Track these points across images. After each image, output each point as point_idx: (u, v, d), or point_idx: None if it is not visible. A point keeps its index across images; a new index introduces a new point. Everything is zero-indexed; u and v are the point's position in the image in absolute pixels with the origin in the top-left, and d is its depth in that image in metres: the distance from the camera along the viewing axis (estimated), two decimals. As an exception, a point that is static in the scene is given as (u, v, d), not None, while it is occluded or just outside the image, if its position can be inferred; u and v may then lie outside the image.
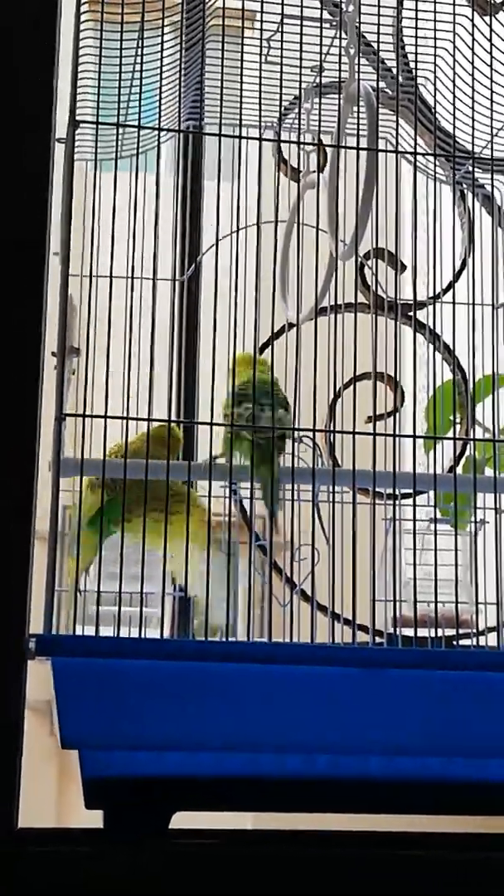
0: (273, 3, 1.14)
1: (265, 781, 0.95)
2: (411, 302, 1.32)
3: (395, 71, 1.27)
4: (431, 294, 1.33)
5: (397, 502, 1.24)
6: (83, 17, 1.01)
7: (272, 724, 0.94)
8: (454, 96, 1.14)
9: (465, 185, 1.36)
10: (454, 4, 1.19)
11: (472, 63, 1.19)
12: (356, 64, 1.09)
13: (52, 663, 0.91)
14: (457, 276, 1.36)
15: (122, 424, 1.07)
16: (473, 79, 1.18)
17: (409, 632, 1.23)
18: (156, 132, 1.09)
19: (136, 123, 1.04)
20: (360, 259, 1.34)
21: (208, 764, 0.94)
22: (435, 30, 1.18)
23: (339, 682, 0.97)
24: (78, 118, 1.02)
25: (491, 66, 1.19)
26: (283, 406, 1.21)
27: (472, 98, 1.11)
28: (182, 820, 0.97)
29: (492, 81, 1.11)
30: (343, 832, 1.01)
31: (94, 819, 0.95)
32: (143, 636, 1.02)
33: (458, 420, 1.41)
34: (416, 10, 1.17)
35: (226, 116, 1.19)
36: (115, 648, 0.93)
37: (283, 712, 0.95)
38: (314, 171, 1.26)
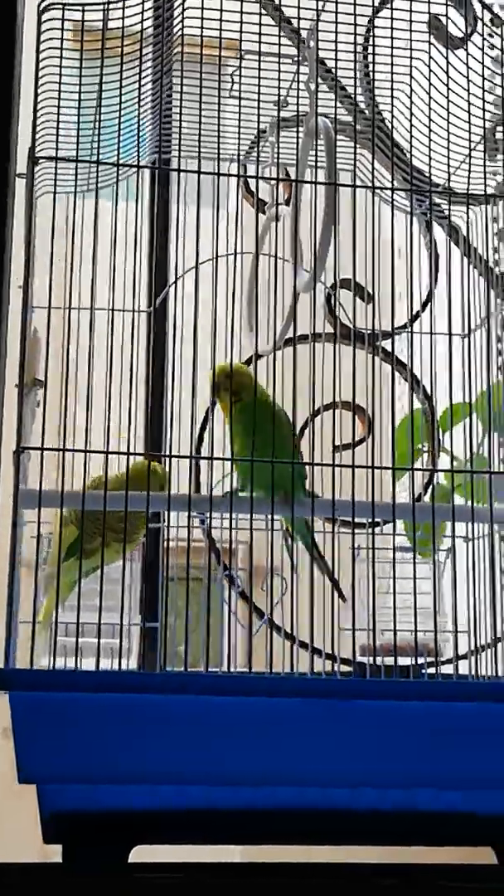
0: (232, 37, 1.16)
1: (225, 814, 0.95)
2: (377, 332, 1.33)
3: (361, 105, 1.28)
4: (398, 324, 1.34)
5: (362, 531, 1.24)
6: (43, 54, 1.02)
7: (232, 756, 0.94)
8: (409, 127, 1.15)
9: (430, 217, 1.37)
10: (410, 40, 1.21)
11: (430, 95, 1.20)
12: (316, 98, 1.10)
13: (9, 697, 0.91)
14: (423, 306, 1.37)
15: (84, 457, 1.07)
16: (436, 109, 1.19)
17: (378, 660, 1.23)
18: (123, 167, 1.09)
19: (94, 159, 1.04)
20: (326, 290, 1.35)
21: (167, 797, 0.94)
22: (395, 65, 1.19)
23: (301, 714, 0.97)
24: (42, 154, 1.03)
25: (449, 97, 1.21)
26: None
27: (430, 129, 1.12)
28: (164, 853, 0.97)
29: (449, 113, 1.12)
30: (311, 864, 1.01)
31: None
32: (117, 668, 1.03)
33: (424, 449, 1.42)
34: (373, 46, 1.19)
35: (192, 149, 1.20)
36: (72, 682, 0.93)
37: (244, 744, 0.95)
38: (280, 204, 1.27)
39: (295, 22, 1.15)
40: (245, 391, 1.19)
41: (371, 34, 1.20)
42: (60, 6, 1.01)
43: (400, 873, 0.97)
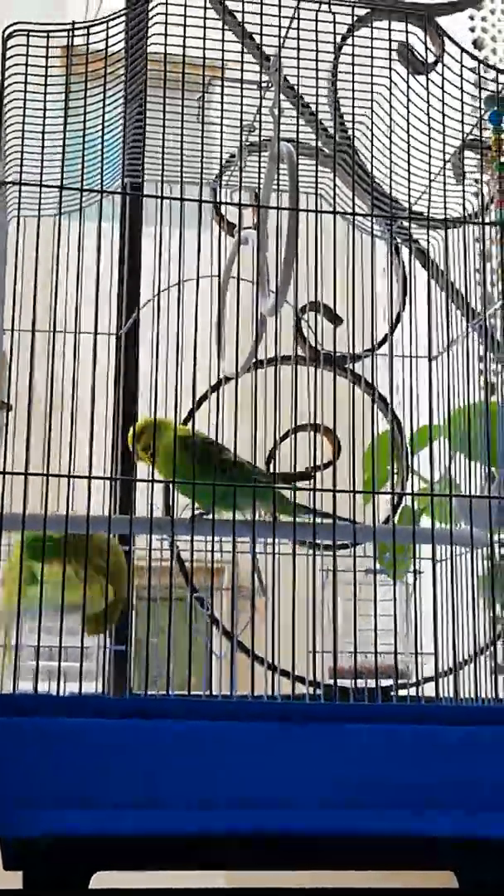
0: (213, 65, 1.17)
1: (186, 839, 0.94)
2: (348, 354, 1.34)
3: (330, 130, 1.29)
4: (368, 347, 1.35)
5: (330, 553, 1.25)
6: (9, 80, 1.03)
7: (194, 780, 0.94)
8: (378, 151, 1.16)
9: (399, 240, 1.38)
10: (389, 62, 1.22)
11: (392, 119, 1.21)
12: (279, 124, 1.11)
13: (-34, 722, 0.90)
14: (392, 328, 1.38)
15: (42, 481, 1.08)
16: (402, 134, 1.20)
17: (349, 682, 1.23)
18: (87, 192, 1.10)
19: (57, 184, 1.05)
20: (297, 313, 1.36)
21: (128, 822, 0.94)
22: (363, 90, 1.20)
23: (265, 737, 0.97)
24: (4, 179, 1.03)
25: (426, 119, 1.22)
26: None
27: (391, 158, 1.13)
28: (149, 879, 0.96)
29: (411, 139, 1.13)
30: (278, 890, 1.01)
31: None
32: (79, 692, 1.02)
33: (395, 470, 1.42)
34: (333, 75, 1.20)
35: (159, 174, 1.21)
36: (33, 706, 0.92)
37: (206, 768, 0.94)
38: (248, 227, 1.28)
39: (263, 48, 1.16)
40: (161, 437, 1.19)
41: (337, 59, 1.21)
42: (25, 33, 1.02)
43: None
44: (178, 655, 1.04)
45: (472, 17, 2.77)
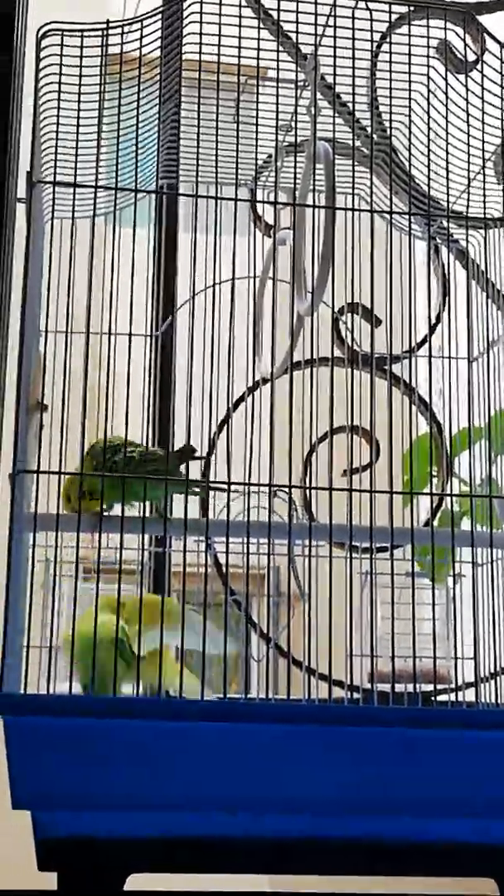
0: (248, 65, 1.16)
1: (221, 841, 0.94)
2: (387, 355, 1.33)
3: (367, 129, 1.28)
4: (407, 348, 1.33)
5: (373, 556, 1.23)
6: (43, 80, 1.02)
7: (228, 782, 0.93)
8: (417, 150, 1.15)
9: (439, 240, 1.36)
10: (428, 64, 1.20)
11: (438, 118, 1.20)
12: (315, 122, 1.10)
13: (3, 721, 0.90)
14: (432, 329, 1.36)
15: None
16: (441, 133, 1.19)
17: (386, 687, 1.22)
18: (122, 191, 1.09)
19: (93, 184, 1.05)
20: (335, 314, 1.35)
21: (163, 824, 0.93)
22: (402, 89, 1.18)
23: (298, 740, 0.96)
24: (41, 179, 1.03)
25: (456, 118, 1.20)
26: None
27: (429, 155, 1.12)
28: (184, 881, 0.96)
29: (448, 136, 1.12)
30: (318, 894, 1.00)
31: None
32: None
33: (434, 473, 1.41)
34: (390, 70, 1.19)
35: (201, 173, 1.20)
36: (68, 707, 0.92)
37: (240, 770, 0.93)
38: (286, 228, 1.27)
39: (300, 46, 1.15)
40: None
41: (378, 58, 1.20)
42: (59, 32, 1.02)
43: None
44: (215, 660, 1.03)
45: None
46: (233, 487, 1.18)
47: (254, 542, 1.18)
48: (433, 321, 1.35)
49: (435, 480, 1.41)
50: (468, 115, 1.14)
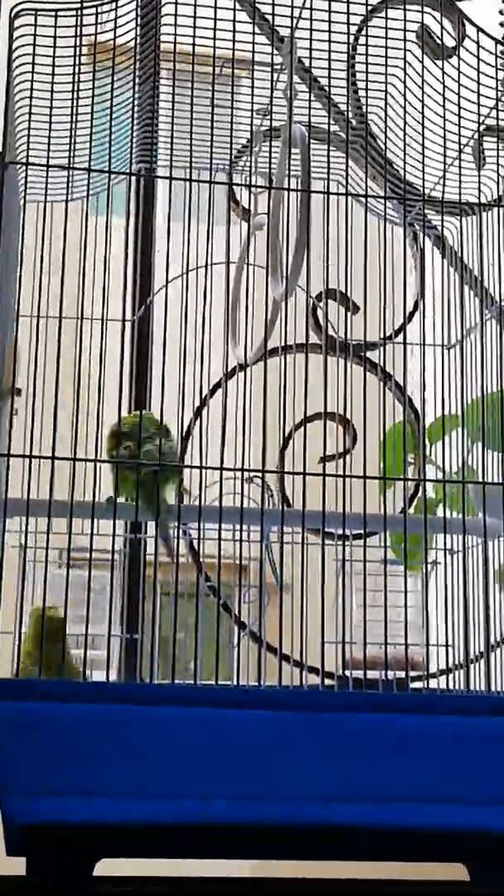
0: (224, 48, 1.15)
1: (191, 828, 0.93)
2: (363, 342, 1.32)
3: (344, 114, 1.27)
4: (383, 335, 1.33)
5: (348, 543, 1.23)
6: (17, 60, 1.01)
7: (199, 769, 0.93)
8: (392, 134, 1.14)
9: (416, 227, 1.36)
10: (404, 49, 1.20)
11: (423, 105, 1.19)
12: (291, 106, 1.09)
13: (-28, 707, 0.90)
14: (409, 316, 1.36)
15: (70, 466, 1.07)
16: (418, 117, 1.19)
17: (360, 673, 1.22)
18: (95, 172, 1.09)
19: (65, 164, 1.04)
20: (312, 300, 1.34)
21: (133, 810, 0.93)
22: (380, 73, 1.18)
23: (272, 726, 0.96)
24: (13, 160, 1.02)
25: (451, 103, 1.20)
26: (166, 436, 1.19)
27: (405, 140, 1.11)
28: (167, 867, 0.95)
29: (423, 122, 1.12)
30: (283, 880, 1.00)
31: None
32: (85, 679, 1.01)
33: (410, 460, 1.41)
34: (367, 55, 1.18)
35: (177, 157, 1.20)
36: (39, 691, 0.91)
37: (212, 757, 0.93)
38: (262, 213, 1.26)
39: (276, 29, 1.15)
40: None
41: (357, 41, 1.20)
42: (33, 12, 1.01)
43: (372, 891, 0.95)
44: (189, 647, 1.03)
45: (502, 12, 2.74)
46: (211, 474, 1.18)
47: (228, 527, 1.18)
48: (410, 308, 1.35)
49: (411, 468, 1.41)
50: (445, 100, 1.14)
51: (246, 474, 1.22)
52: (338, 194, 1.10)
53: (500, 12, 2.85)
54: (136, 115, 1.17)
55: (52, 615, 1.10)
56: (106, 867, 0.93)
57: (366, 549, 1.23)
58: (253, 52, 1.07)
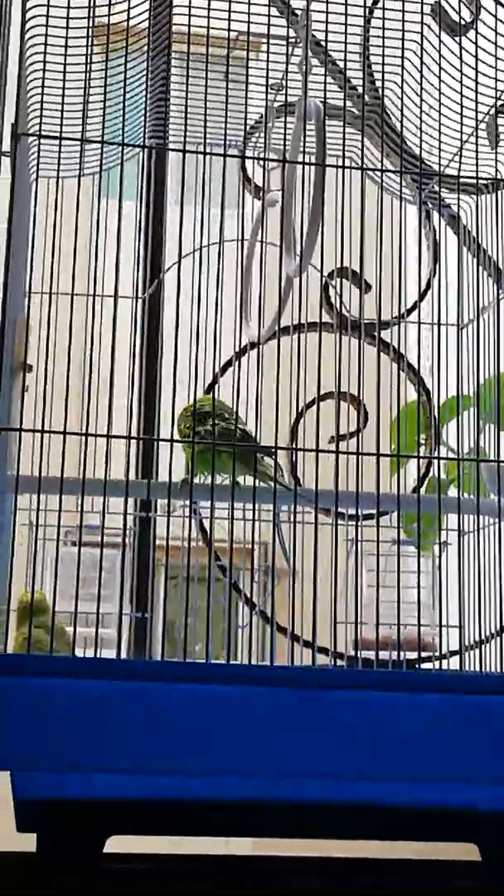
0: (239, 21, 1.14)
1: (200, 805, 0.93)
2: (376, 321, 1.31)
3: (359, 90, 1.26)
4: (396, 314, 1.32)
5: (360, 523, 1.22)
6: (29, 33, 1.00)
7: (209, 745, 0.92)
8: (409, 111, 1.13)
9: (430, 204, 1.35)
10: (422, 22, 1.18)
11: (440, 81, 1.18)
12: (306, 80, 1.08)
13: (-19, 682, 0.89)
14: (422, 296, 1.35)
15: (82, 441, 1.06)
16: (434, 94, 1.17)
17: (371, 654, 1.21)
18: (109, 144, 1.08)
19: (79, 137, 1.03)
20: (324, 278, 1.33)
21: (142, 787, 0.92)
22: (396, 48, 1.16)
23: (283, 704, 0.95)
24: (25, 131, 1.01)
25: (455, 84, 1.19)
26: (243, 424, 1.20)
27: (420, 116, 1.10)
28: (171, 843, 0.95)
29: (438, 103, 1.10)
30: (290, 858, 0.99)
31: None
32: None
33: (422, 440, 1.40)
34: (383, 28, 1.17)
35: (190, 134, 1.18)
36: (47, 668, 0.91)
37: (219, 734, 0.93)
38: (276, 189, 1.25)
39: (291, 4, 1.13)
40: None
41: (372, 15, 1.18)
42: (45, -11, 1.00)
43: (379, 869, 0.95)
44: (200, 627, 1.02)
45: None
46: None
47: (240, 507, 1.17)
48: (423, 287, 1.34)
49: (423, 448, 1.40)
50: (462, 75, 1.13)
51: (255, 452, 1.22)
52: (353, 168, 1.09)
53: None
54: (148, 91, 1.16)
55: (37, 599, 1.10)
56: (117, 843, 0.93)
57: (379, 528, 1.22)
58: (269, 24, 1.05)
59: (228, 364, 1.33)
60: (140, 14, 1.08)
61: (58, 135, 1.03)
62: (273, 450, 1.21)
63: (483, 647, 1.21)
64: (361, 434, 1.31)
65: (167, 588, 1.24)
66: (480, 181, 1.19)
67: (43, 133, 1.05)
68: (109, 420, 1.05)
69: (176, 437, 1.19)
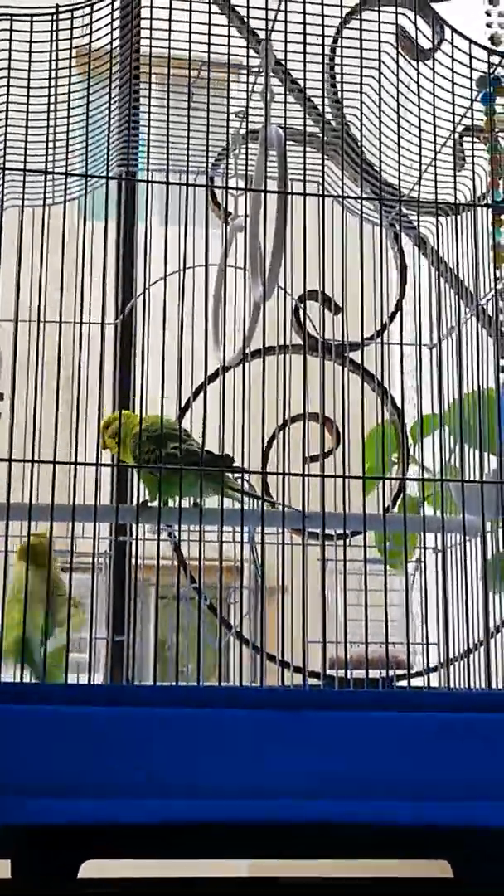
0: (201, 51, 1.16)
1: (176, 828, 0.94)
2: (346, 343, 1.33)
3: (322, 114, 1.28)
4: (364, 335, 1.33)
5: (331, 543, 1.23)
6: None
7: (183, 768, 0.93)
8: (368, 134, 1.15)
9: (397, 227, 1.37)
10: (379, 50, 1.20)
11: (398, 105, 1.20)
12: (267, 108, 1.10)
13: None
14: (391, 316, 1.36)
15: (51, 469, 1.07)
16: (394, 117, 1.19)
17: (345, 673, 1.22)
18: (91, 179, 1.09)
19: (41, 169, 1.04)
20: (294, 301, 1.35)
21: (118, 811, 0.93)
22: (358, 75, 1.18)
23: (257, 725, 0.96)
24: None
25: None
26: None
27: (380, 139, 1.12)
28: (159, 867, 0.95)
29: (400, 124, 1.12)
30: (266, 879, 1.00)
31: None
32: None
33: (394, 460, 1.41)
34: (342, 56, 1.19)
35: (158, 162, 1.20)
36: (17, 693, 0.92)
37: (196, 755, 0.94)
38: (241, 216, 1.27)
39: (254, 30, 1.15)
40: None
41: (335, 43, 1.20)
42: (8, 17, 1.01)
43: (353, 887, 0.95)
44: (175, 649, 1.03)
45: (488, 13, 2.73)
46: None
47: (212, 529, 1.18)
48: (392, 309, 1.35)
49: (395, 468, 1.42)
50: (420, 100, 1.15)
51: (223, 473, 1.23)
52: (315, 195, 1.11)
53: (487, 13, 2.85)
54: (115, 119, 1.18)
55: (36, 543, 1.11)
56: (93, 868, 0.94)
57: (346, 549, 1.23)
58: (228, 54, 1.07)
59: (200, 388, 1.34)
60: (104, 38, 1.09)
61: (21, 167, 1.04)
62: (243, 472, 1.22)
63: (453, 664, 1.22)
64: (333, 454, 1.32)
65: (150, 606, 1.25)
66: (440, 205, 1.20)
67: (7, 166, 1.06)
68: (77, 447, 1.07)
69: (129, 461, 1.20)
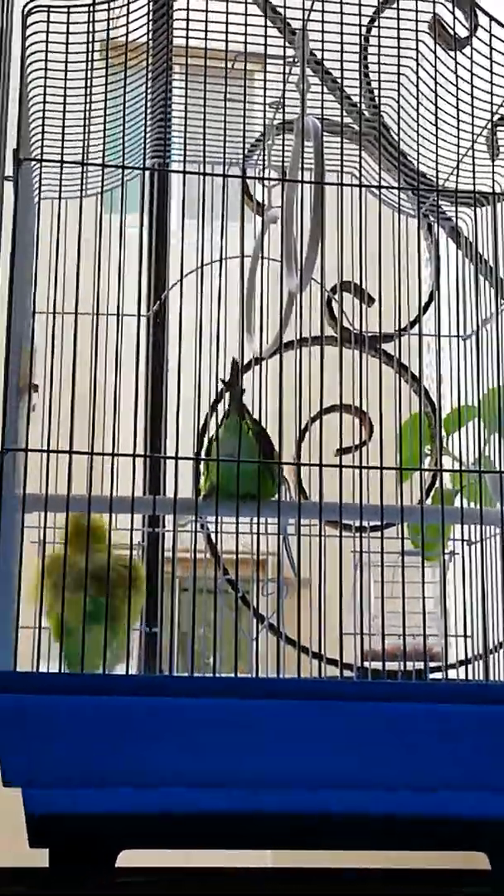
0: (236, 41, 1.15)
1: (212, 817, 0.94)
2: (378, 334, 1.32)
3: (358, 105, 1.27)
4: (399, 326, 1.33)
5: (365, 535, 1.23)
6: (30, 57, 1.02)
7: (220, 758, 0.93)
8: (405, 125, 1.14)
9: (431, 218, 1.36)
10: (416, 39, 1.20)
11: (436, 95, 1.19)
12: (303, 98, 1.10)
13: (-7, 699, 0.90)
14: (424, 308, 1.36)
15: (88, 460, 1.07)
16: (431, 108, 1.19)
17: (379, 665, 1.22)
18: (108, 167, 1.09)
19: (79, 160, 1.04)
20: (327, 292, 1.34)
21: (154, 800, 0.93)
22: (394, 64, 1.18)
23: (292, 716, 0.96)
24: (28, 156, 1.03)
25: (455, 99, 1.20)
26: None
27: (417, 131, 1.11)
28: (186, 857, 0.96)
29: (437, 112, 1.11)
30: (301, 869, 1.00)
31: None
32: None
33: (428, 451, 1.40)
34: (379, 46, 1.18)
35: (191, 153, 1.20)
36: (56, 684, 0.92)
37: (232, 746, 0.94)
38: (277, 206, 1.26)
39: (289, 22, 1.15)
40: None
41: (369, 33, 1.19)
42: (45, 8, 1.01)
43: (390, 879, 0.95)
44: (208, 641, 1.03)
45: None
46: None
47: (245, 521, 1.18)
48: (426, 300, 1.35)
49: (428, 459, 1.41)
50: (458, 89, 1.14)
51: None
52: (351, 185, 1.10)
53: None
54: (149, 111, 1.18)
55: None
56: (129, 858, 0.94)
57: (383, 540, 1.23)
58: (265, 45, 1.07)
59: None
60: (139, 29, 1.09)
61: (59, 159, 1.04)
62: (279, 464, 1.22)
63: (491, 656, 1.21)
64: (367, 446, 1.32)
65: (178, 599, 1.25)
66: (478, 194, 1.20)
67: (45, 157, 1.06)
68: (115, 438, 1.07)
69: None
